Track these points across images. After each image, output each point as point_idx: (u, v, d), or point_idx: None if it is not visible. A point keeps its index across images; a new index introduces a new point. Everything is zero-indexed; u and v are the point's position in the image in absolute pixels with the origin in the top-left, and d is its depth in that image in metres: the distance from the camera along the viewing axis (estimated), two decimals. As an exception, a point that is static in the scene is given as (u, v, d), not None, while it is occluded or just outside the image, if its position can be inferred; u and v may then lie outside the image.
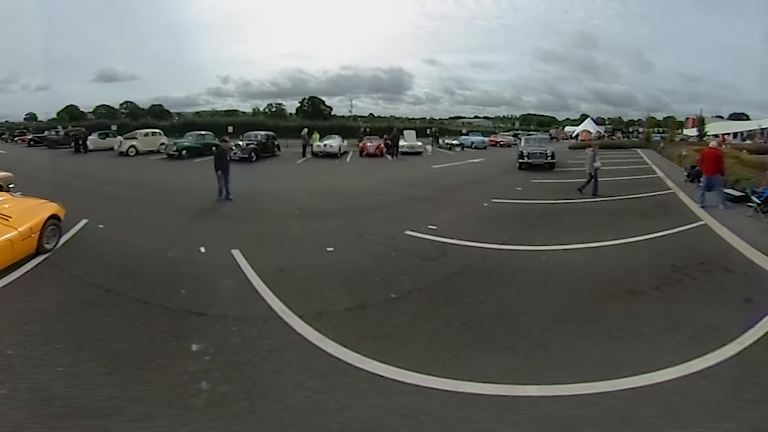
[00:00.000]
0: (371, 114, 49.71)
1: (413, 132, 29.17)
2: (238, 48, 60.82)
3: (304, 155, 24.33)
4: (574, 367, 3.85)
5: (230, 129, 28.04)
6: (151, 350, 4.12)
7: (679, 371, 3.73)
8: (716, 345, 4.11)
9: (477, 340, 4.44)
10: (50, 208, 6.99)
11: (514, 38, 59.37)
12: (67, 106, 41.79)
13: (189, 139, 23.22)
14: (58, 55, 38.46)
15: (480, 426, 3.23)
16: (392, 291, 5.53)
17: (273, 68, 59.02)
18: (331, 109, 47.80)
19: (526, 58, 62.69)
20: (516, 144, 28.31)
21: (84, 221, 8.20)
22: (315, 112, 45.65)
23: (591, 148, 13.46)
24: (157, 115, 42.78)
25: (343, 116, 46.65)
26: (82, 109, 42.48)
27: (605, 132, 44.71)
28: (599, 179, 12.53)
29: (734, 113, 43.04)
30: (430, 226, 8.38)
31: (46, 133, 29.62)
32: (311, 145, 25.12)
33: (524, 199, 11.89)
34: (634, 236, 7.81)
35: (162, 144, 24.21)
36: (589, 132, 42.91)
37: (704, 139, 33.47)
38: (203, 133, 25.10)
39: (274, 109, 47.40)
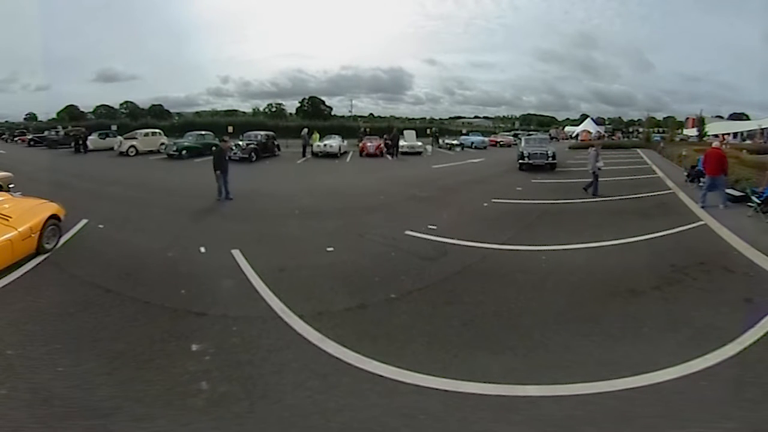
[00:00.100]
0: (371, 114, 49.81)
1: (413, 132, 29.16)
2: (238, 48, 60.98)
3: (304, 155, 24.32)
4: (574, 367, 3.85)
5: (230, 129, 28.07)
6: (151, 350, 4.11)
7: (679, 371, 3.73)
8: (716, 345, 4.11)
9: (477, 340, 4.44)
10: (50, 208, 6.99)
11: (514, 38, 59.52)
12: (67, 106, 41.86)
13: (189, 139, 23.21)
14: (58, 55, 38.56)
15: (480, 426, 3.23)
16: (392, 291, 5.53)
17: (273, 68, 59.19)
18: (331, 109, 47.90)
19: (526, 58, 62.85)
20: (516, 144, 28.30)
21: (84, 221, 8.21)
22: (315, 112, 45.66)
23: (594, 148, 13.45)
24: (157, 115, 42.80)
25: (343, 116, 46.73)
26: (82, 109, 42.59)
27: (605, 132, 44.73)
28: (600, 179, 12.52)
29: (734, 113, 43.09)
30: (430, 226, 8.38)
31: (46, 133, 29.62)
32: (311, 145, 25.11)
33: (524, 199, 11.88)
34: (634, 236, 7.81)
35: (162, 144, 24.20)
36: (589, 132, 42.91)
37: (704, 139, 33.50)
38: (203, 133, 25.08)
39: (274, 109, 47.44)
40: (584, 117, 48.18)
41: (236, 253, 6.69)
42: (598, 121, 46.95)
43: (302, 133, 26.08)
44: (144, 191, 12.89)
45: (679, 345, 4.18)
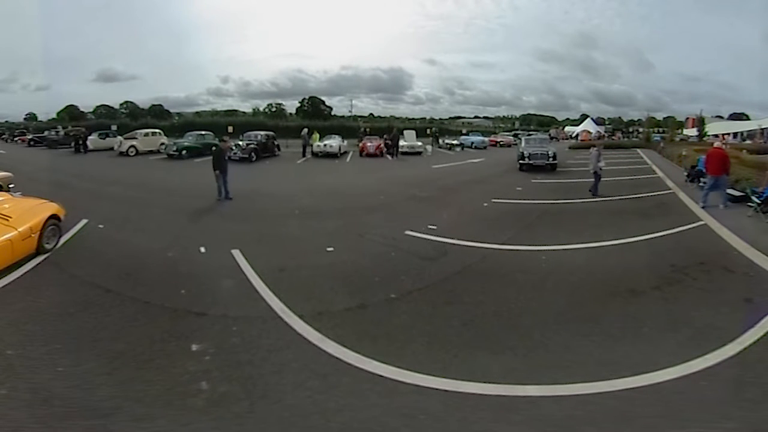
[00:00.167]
0: (371, 114, 49.87)
1: (413, 132, 29.17)
2: (238, 48, 61.16)
3: (304, 155, 24.32)
4: (574, 367, 3.85)
5: (230, 129, 28.07)
6: (151, 350, 4.11)
7: (679, 371, 3.73)
8: (716, 345, 4.11)
9: (477, 340, 4.44)
10: (50, 208, 6.99)
11: (514, 38, 59.67)
12: (67, 106, 41.91)
13: (189, 139, 23.21)
14: (58, 55, 38.64)
15: (480, 426, 3.23)
16: (392, 291, 5.53)
17: (273, 68, 59.37)
18: (331, 109, 47.95)
19: (526, 58, 62.98)
20: (516, 144, 28.29)
21: (84, 221, 8.21)
22: (315, 112, 45.69)
23: (596, 148, 13.46)
24: (157, 115, 42.83)
25: (343, 116, 46.78)
26: (82, 109, 42.64)
27: (605, 132, 44.75)
28: (600, 179, 12.52)
29: (734, 113, 43.14)
30: (430, 226, 8.38)
31: (46, 133, 29.62)
32: (311, 145, 25.11)
33: (524, 199, 11.88)
34: (634, 236, 7.81)
35: (162, 144, 24.21)
36: (589, 132, 42.94)
37: (705, 139, 33.50)
38: (203, 133, 25.08)
39: (274, 109, 47.48)
40: (584, 117, 48.24)
41: (236, 253, 6.69)
42: (598, 121, 46.98)
43: (302, 133, 26.08)
44: (144, 191, 12.89)
45: (679, 345, 4.18)
